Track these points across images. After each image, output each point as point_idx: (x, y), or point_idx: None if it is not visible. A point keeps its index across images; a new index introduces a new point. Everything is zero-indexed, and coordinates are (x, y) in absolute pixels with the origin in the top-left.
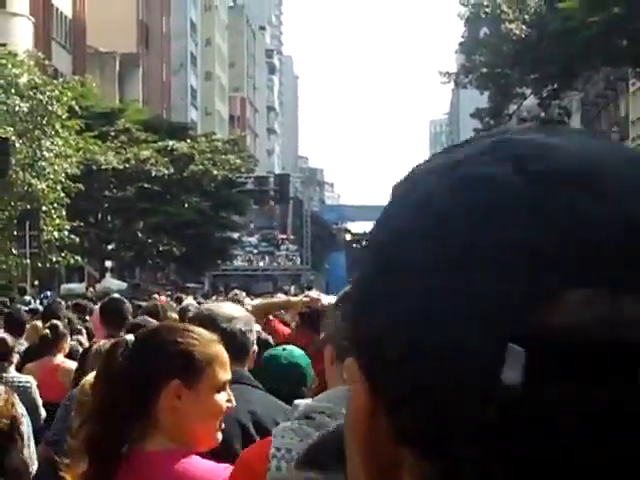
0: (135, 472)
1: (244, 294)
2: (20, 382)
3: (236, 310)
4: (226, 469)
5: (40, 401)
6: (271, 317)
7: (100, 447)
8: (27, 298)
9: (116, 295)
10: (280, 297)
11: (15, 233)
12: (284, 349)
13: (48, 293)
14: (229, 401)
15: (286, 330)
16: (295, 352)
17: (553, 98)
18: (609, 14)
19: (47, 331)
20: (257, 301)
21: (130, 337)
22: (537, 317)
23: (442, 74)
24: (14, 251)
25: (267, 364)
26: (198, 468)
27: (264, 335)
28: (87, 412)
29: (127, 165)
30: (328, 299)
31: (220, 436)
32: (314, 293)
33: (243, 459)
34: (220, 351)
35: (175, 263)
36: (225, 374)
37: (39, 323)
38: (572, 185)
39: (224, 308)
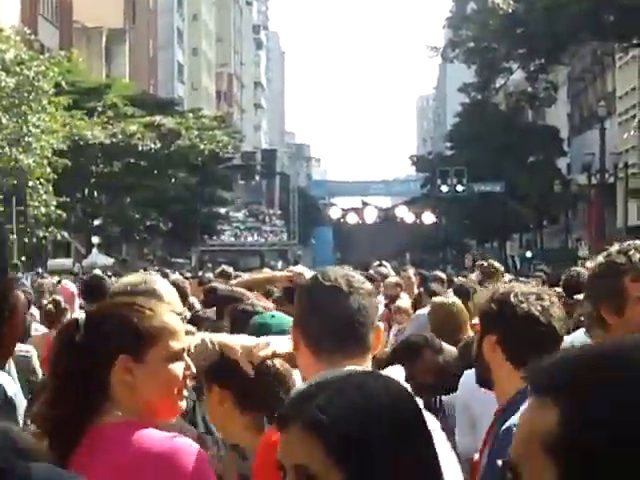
0: (92, 447)
1: (231, 269)
2: (20, 352)
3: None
4: (178, 439)
5: (40, 371)
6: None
7: (57, 426)
8: (21, 275)
9: (97, 271)
10: (265, 272)
11: (1, 209)
12: (273, 316)
13: (40, 270)
14: (188, 369)
15: (269, 304)
16: (285, 319)
17: (540, 72)
18: None
19: (50, 306)
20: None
21: (82, 315)
22: None
23: (429, 48)
24: None
25: (257, 331)
26: (152, 439)
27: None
28: (44, 393)
29: (114, 140)
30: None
31: (184, 405)
32: (299, 268)
33: (267, 437)
34: (170, 321)
35: (162, 238)
36: (178, 343)
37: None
38: None
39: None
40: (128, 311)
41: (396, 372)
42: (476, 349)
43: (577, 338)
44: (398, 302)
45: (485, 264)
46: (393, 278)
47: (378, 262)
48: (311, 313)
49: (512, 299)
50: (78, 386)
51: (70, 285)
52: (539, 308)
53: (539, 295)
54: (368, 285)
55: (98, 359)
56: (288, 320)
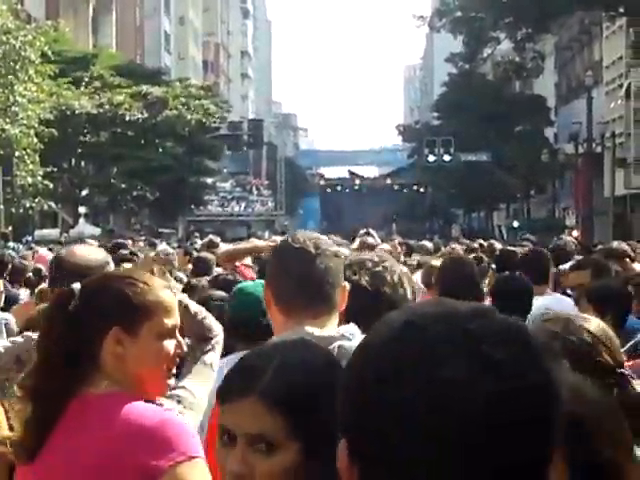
0: (78, 417)
1: (219, 239)
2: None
3: None
4: (167, 412)
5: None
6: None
7: (42, 392)
8: (11, 244)
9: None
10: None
11: None
12: (253, 283)
13: (29, 238)
14: (179, 347)
15: (251, 274)
16: (261, 286)
17: (527, 42)
18: None
19: (31, 274)
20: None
21: (77, 285)
22: None
23: (416, 17)
24: None
25: (236, 296)
26: (140, 410)
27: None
28: (34, 361)
29: (101, 110)
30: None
31: (171, 383)
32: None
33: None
34: (166, 297)
35: (149, 208)
36: (171, 320)
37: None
38: None
39: None
40: (124, 284)
41: (353, 329)
42: None
43: (553, 304)
44: None
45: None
46: (384, 246)
47: (365, 230)
48: (280, 274)
49: (347, 272)
50: (68, 354)
51: (47, 253)
52: (366, 277)
53: (375, 262)
54: (335, 248)
55: (91, 329)
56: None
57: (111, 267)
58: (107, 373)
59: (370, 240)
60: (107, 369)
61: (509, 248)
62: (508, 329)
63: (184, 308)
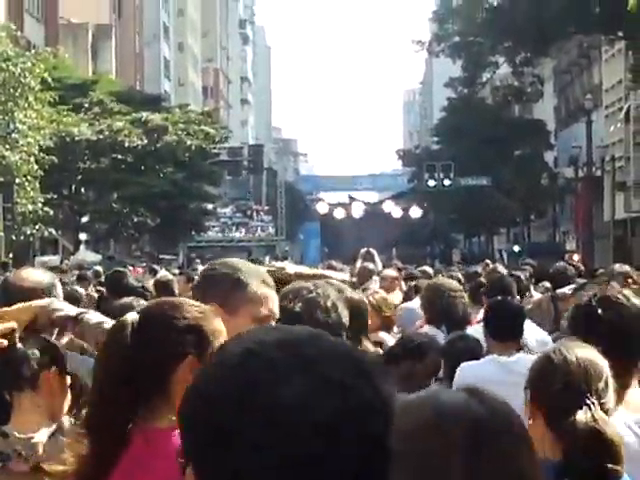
0: (140, 451)
1: None
2: None
3: None
4: None
5: None
6: None
7: (105, 428)
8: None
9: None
10: None
11: None
12: None
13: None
14: None
15: None
16: None
17: (526, 66)
18: None
19: None
20: None
21: (133, 316)
22: None
23: (415, 43)
24: None
25: None
26: None
27: None
28: (90, 393)
29: (101, 136)
30: (293, 268)
31: None
32: (282, 263)
33: None
34: (218, 322)
35: (149, 235)
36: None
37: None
38: None
39: None
40: (189, 312)
41: None
42: None
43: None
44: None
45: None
46: (387, 272)
47: (365, 250)
48: None
49: (283, 301)
50: (128, 385)
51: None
52: (300, 304)
53: (310, 290)
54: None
55: (163, 359)
56: None
57: (58, 290)
58: (173, 404)
59: (371, 267)
60: (175, 400)
61: (513, 273)
62: (341, 351)
63: None
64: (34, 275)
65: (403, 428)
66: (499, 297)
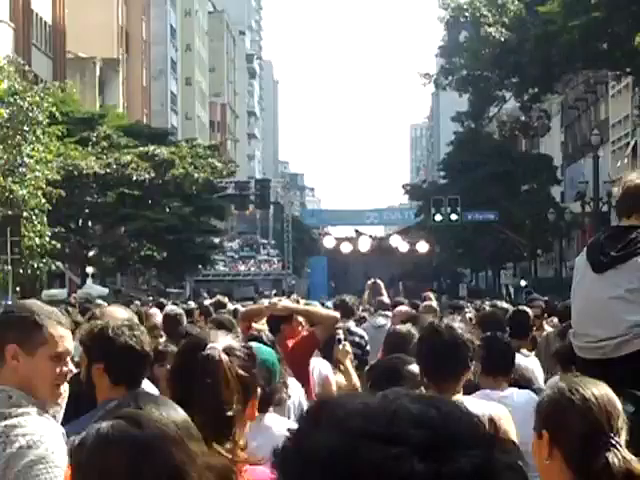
0: None
1: (226, 299)
2: None
3: None
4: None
5: None
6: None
7: None
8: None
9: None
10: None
11: None
12: (265, 349)
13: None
14: None
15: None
16: (262, 349)
17: (534, 101)
18: (589, 18)
19: None
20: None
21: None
22: None
23: (422, 75)
24: None
25: None
26: None
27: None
28: None
29: (108, 170)
30: (285, 303)
31: None
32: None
33: None
34: None
35: (156, 268)
36: None
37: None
38: None
39: None
40: None
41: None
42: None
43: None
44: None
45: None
46: (401, 308)
47: (372, 280)
48: None
49: (110, 332)
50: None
51: None
52: (133, 338)
53: (131, 326)
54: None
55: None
56: (266, 349)
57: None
58: None
59: (386, 300)
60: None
61: (520, 309)
62: None
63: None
64: (116, 312)
65: None
66: (489, 333)
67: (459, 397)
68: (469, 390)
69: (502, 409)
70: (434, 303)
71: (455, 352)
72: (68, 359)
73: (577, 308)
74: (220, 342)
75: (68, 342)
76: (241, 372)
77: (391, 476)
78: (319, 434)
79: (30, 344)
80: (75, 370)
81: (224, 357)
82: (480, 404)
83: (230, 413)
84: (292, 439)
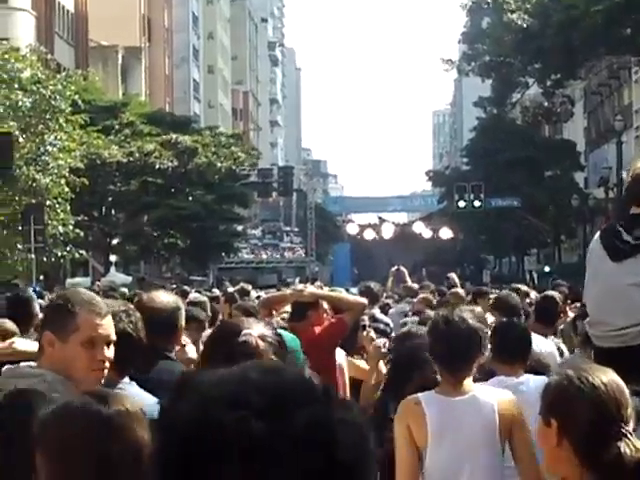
0: None
1: (250, 286)
2: None
3: None
4: None
5: None
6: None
7: None
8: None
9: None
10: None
11: (20, 228)
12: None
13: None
14: None
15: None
16: (288, 336)
17: (556, 87)
18: (612, 3)
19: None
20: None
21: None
22: None
23: (444, 61)
24: (19, 246)
25: None
26: None
27: None
28: None
29: (131, 159)
30: (311, 289)
31: None
32: (300, 285)
33: None
34: None
35: (180, 256)
36: None
37: None
38: None
39: None
40: None
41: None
42: None
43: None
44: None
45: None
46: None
47: (396, 267)
48: None
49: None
50: None
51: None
52: (130, 324)
53: (127, 312)
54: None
55: None
56: (290, 336)
57: (182, 311)
58: None
59: (415, 286)
60: None
61: (549, 294)
62: None
63: None
64: (162, 297)
65: None
66: (504, 319)
67: (470, 384)
68: (485, 377)
69: (507, 394)
70: (461, 290)
71: (467, 342)
72: (104, 345)
73: (594, 297)
74: (254, 329)
75: (103, 329)
76: (275, 359)
77: (235, 436)
78: (179, 404)
79: (63, 331)
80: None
81: (261, 343)
82: (486, 391)
83: None
84: (159, 412)
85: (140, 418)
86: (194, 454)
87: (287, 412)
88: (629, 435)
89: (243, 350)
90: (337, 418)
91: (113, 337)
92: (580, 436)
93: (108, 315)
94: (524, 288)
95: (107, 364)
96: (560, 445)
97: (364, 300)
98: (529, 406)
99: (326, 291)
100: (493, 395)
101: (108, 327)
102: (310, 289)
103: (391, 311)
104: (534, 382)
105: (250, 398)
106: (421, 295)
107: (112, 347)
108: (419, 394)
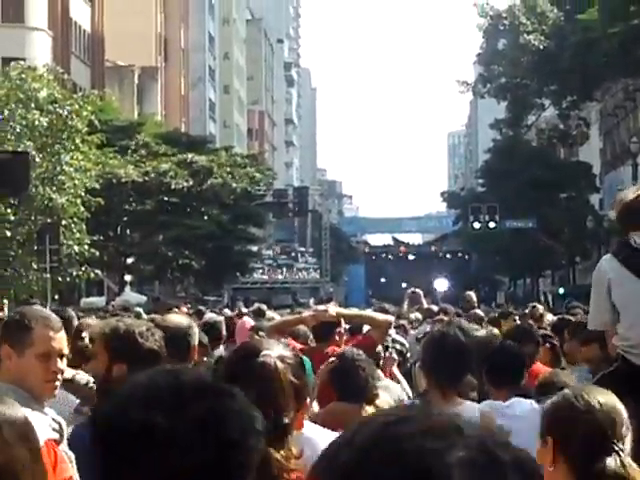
0: None
1: (265, 307)
2: None
3: None
4: None
5: None
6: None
7: None
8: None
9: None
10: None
11: (35, 247)
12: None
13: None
14: None
15: (298, 345)
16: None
17: (572, 109)
18: (628, 26)
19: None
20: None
21: None
22: None
23: (460, 83)
24: (34, 265)
25: None
26: None
27: None
28: None
29: (146, 178)
30: (335, 309)
31: None
32: (322, 306)
33: None
34: None
35: (194, 276)
36: None
37: None
38: None
39: None
40: None
41: None
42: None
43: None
44: None
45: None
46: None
47: (412, 290)
48: None
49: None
50: None
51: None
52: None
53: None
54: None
55: None
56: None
57: (195, 330)
58: None
59: (434, 308)
60: None
61: (564, 317)
62: None
63: None
64: (176, 318)
65: None
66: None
67: (457, 398)
68: (479, 399)
69: (488, 410)
70: (480, 311)
71: (456, 356)
72: (58, 358)
73: (633, 317)
74: (274, 350)
75: (57, 343)
76: (294, 380)
77: (146, 427)
78: (105, 405)
79: (20, 345)
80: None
81: (279, 364)
82: (470, 406)
83: (286, 420)
84: (92, 412)
85: (3, 436)
86: (116, 442)
87: (185, 405)
88: (620, 452)
89: (261, 371)
90: (226, 407)
91: (66, 351)
92: (574, 453)
93: (61, 330)
94: (541, 308)
95: (60, 376)
96: (555, 462)
97: (392, 318)
98: (513, 430)
99: (352, 310)
100: (476, 409)
101: (61, 341)
102: (334, 309)
103: (412, 333)
104: (520, 406)
105: (156, 397)
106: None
107: (65, 360)
108: None
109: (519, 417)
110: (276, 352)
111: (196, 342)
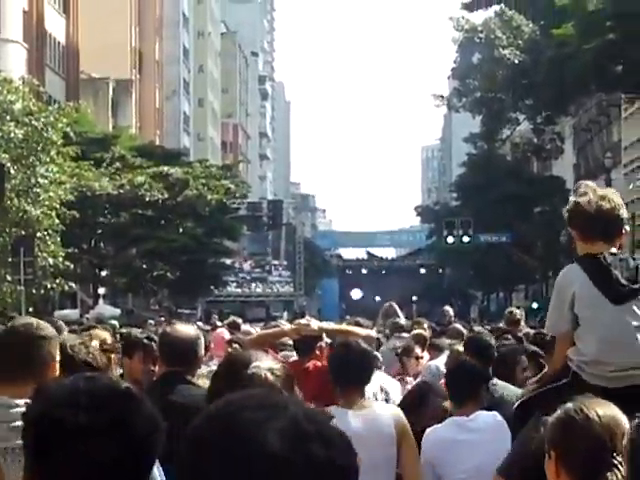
0: None
1: (240, 320)
2: None
3: None
4: None
5: None
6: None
7: None
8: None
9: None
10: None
11: (10, 259)
12: None
13: None
14: None
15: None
16: None
17: (547, 124)
18: (603, 41)
19: None
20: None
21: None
22: None
23: (435, 97)
24: (8, 277)
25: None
26: None
27: None
28: None
29: (121, 191)
30: (317, 323)
31: None
32: (304, 320)
33: None
34: None
35: (168, 289)
36: None
37: None
38: None
39: None
40: None
41: None
42: None
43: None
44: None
45: (509, 312)
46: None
47: (389, 304)
48: None
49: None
50: None
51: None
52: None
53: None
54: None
55: None
56: None
57: (202, 341)
58: None
59: (402, 322)
60: None
61: (540, 331)
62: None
63: None
64: (185, 329)
65: None
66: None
67: (365, 401)
68: (443, 417)
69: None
70: (459, 326)
71: (360, 365)
72: None
73: (597, 338)
74: (263, 362)
75: None
76: (284, 392)
77: (68, 425)
78: (34, 405)
79: None
80: None
81: (269, 376)
82: (381, 405)
83: None
84: (24, 411)
85: None
86: (43, 438)
87: (101, 407)
88: (619, 466)
89: (251, 383)
90: (135, 409)
91: None
92: (574, 466)
93: None
94: (518, 313)
95: None
96: (559, 475)
97: (374, 332)
98: (475, 443)
99: (334, 325)
100: (388, 409)
101: None
102: (316, 323)
103: (382, 348)
104: (483, 419)
105: (78, 399)
106: (415, 331)
107: None
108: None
109: (483, 430)
110: (266, 364)
111: (202, 352)
